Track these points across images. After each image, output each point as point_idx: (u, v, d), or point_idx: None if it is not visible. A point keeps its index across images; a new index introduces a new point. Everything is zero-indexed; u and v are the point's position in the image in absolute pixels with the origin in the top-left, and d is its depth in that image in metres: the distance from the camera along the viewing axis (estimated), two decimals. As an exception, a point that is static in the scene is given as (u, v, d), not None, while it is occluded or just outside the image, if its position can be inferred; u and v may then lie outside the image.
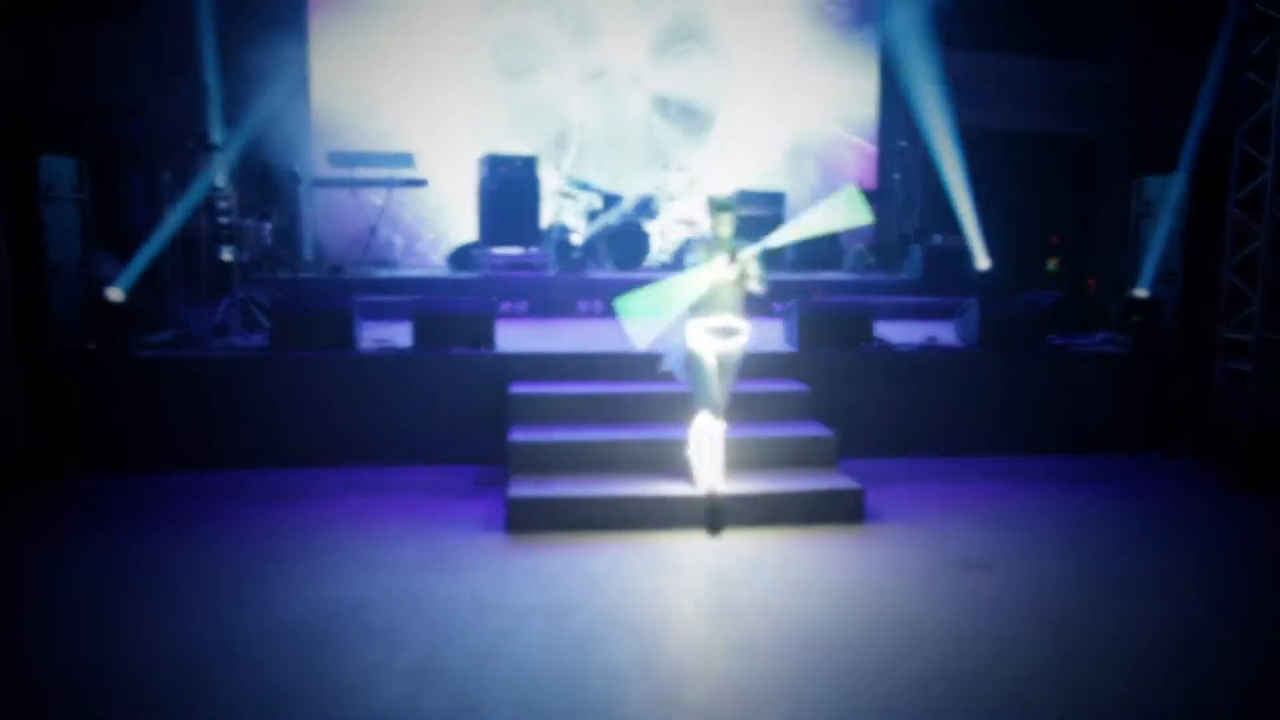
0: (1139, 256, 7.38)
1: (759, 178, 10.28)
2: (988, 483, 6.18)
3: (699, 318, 5.00)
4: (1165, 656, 3.88)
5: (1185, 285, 7.14)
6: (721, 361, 5.09)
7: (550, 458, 5.61)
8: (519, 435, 5.73)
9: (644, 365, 6.31)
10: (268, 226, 8.31)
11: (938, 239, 9.33)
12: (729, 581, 4.57)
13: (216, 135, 8.20)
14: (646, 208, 9.47)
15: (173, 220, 7.14)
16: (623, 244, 9.20)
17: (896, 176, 10.56)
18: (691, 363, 5.05)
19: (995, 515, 5.56)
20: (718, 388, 5.08)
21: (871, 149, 10.82)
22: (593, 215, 9.50)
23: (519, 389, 6.15)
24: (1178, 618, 4.24)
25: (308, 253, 9.50)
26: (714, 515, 5.01)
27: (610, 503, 5.27)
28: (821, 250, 9.84)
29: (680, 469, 5.39)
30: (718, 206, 5.03)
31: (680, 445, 5.42)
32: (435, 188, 9.78)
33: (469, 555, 4.85)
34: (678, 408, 5.55)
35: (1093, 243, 8.97)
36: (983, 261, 8.80)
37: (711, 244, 5.05)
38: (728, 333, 5.02)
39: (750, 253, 4.94)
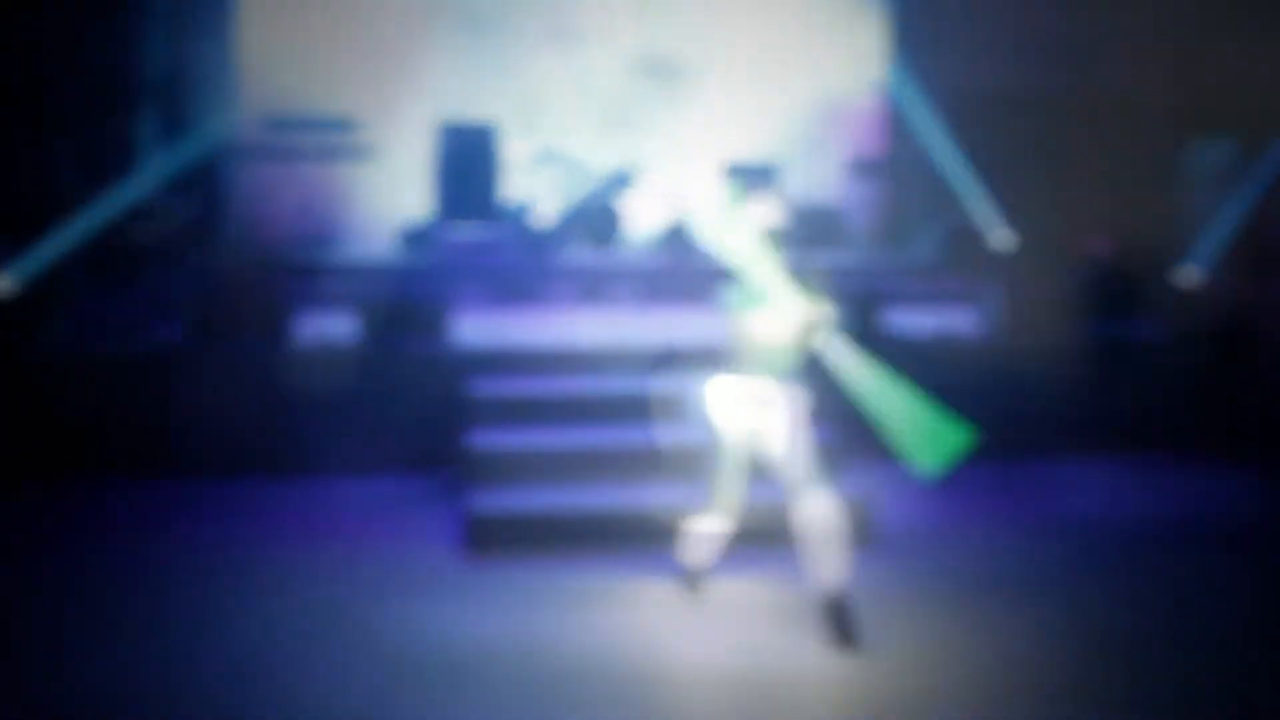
0: (1187, 232, 7.38)
1: (751, 147, 10.23)
2: (1012, 491, 6.19)
3: (725, 375, 4.22)
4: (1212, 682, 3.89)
5: (1241, 265, 7.15)
6: (751, 444, 4.24)
7: (516, 464, 5.57)
8: (480, 439, 5.68)
9: (623, 359, 6.32)
10: (188, 202, 8.21)
11: (955, 215, 9.33)
12: (722, 611, 4.54)
13: (130, 95, 8.09)
14: (621, 181, 9.45)
15: (82, 195, 7.02)
16: (593, 222, 9.17)
17: (908, 144, 10.53)
18: (710, 438, 4.26)
19: (1022, 529, 5.55)
20: (735, 482, 4.28)
21: (880, 114, 10.78)
22: (562, 189, 9.45)
23: (479, 386, 6.11)
24: (1233, 646, 4.25)
25: (235, 233, 9.36)
26: (694, 581, 4.62)
27: (586, 516, 5.24)
28: (820, 226, 9.82)
29: (668, 475, 5.32)
30: (766, 238, 4.16)
31: (666, 452, 5.36)
32: (384, 159, 9.70)
33: (424, 578, 4.81)
34: (664, 407, 5.50)
35: (1134, 216, 8.94)
36: (1006, 240, 8.80)
37: (756, 289, 4.17)
38: (763, 403, 4.18)
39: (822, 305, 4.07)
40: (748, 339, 4.19)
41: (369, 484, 6.08)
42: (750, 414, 4.23)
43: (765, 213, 4.28)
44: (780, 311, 4.09)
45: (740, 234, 4.17)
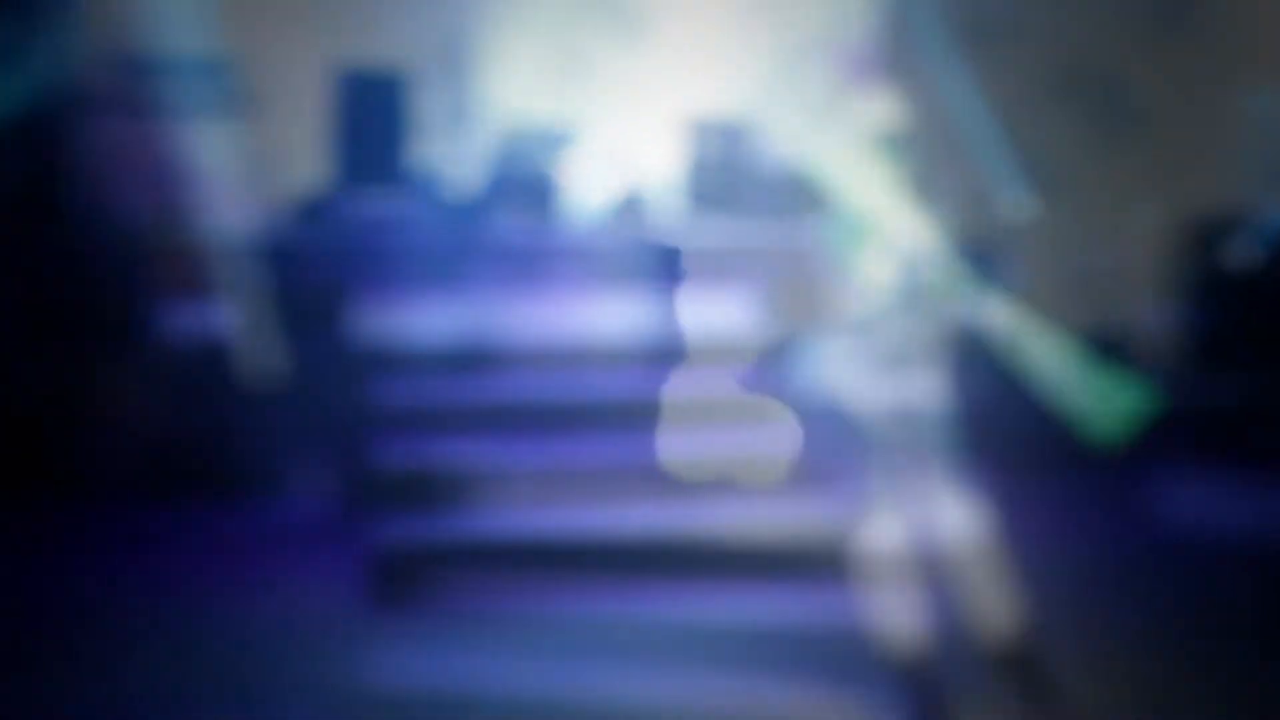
0: (1245, 199, 7.46)
1: (721, 99, 10.29)
2: (1041, 505, 6.25)
3: (851, 340, 4.05)
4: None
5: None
6: (893, 418, 3.98)
7: (437, 485, 5.62)
8: (389, 456, 5.75)
9: (566, 357, 6.36)
10: (19, 165, 8.09)
11: (969, 177, 9.43)
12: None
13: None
14: (562, 140, 9.47)
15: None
16: (526, 190, 9.21)
17: (915, 93, 10.63)
18: (841, 421, 4.10)
19: (1051, 553, 5.55)
20: (893, 477, 3.97)
21: (883, 60, 10.88)
22: (492, 152, 9.46)
23: (389, 392, 6.16)
24: None
25: (81, 205, 9.24)
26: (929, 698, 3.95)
27: (530, 548, 5.29)
28: (806, 190, 9.92)
29: (630, 494, 5.43)
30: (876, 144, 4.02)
31: (637, 471, 5.51)
32: (269, 112, 9.54)
33: (317, 632, 4.77)
34: (628, 412, 5.71)
35: (1182, 176, 9.05)
36: (1027, 203, 8.87)
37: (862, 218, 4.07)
38: (901, 364, 3.99)
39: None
40: (864, 283, 3.97)
41: (253, 513, 6.10)
42: (890, 379, 3.97)
43: (877, 110, 4.16)
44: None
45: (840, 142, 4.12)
